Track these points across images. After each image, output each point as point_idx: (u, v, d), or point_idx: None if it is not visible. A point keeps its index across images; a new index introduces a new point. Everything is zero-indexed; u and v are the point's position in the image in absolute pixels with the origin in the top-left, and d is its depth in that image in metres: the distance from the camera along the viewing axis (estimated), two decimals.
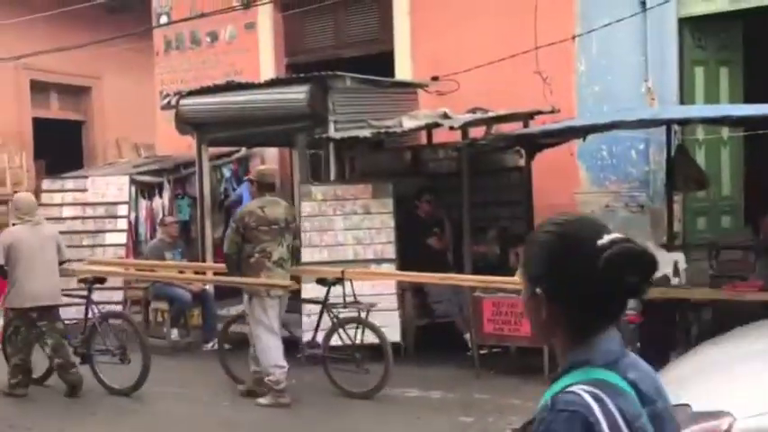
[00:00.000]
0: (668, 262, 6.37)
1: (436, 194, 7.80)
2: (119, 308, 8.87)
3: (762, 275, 6.12)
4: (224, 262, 6.39)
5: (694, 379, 3.41)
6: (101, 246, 9.25)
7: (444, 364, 6.88)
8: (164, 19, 10.83)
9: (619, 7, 7.67)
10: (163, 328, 8.15)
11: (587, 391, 1.41)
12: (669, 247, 6.82)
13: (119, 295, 9.02)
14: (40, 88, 13.21)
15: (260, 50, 10.09)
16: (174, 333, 8.18)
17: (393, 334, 6.83)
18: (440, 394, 6.21)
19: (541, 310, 1.51)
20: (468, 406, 5.87)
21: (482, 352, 6.78)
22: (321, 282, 6.47)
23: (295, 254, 6.34)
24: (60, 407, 6.29)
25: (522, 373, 6.36)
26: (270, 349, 6.02)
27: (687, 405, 2.95)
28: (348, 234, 7.43)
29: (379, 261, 7.34)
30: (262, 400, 6.10)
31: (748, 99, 7.73)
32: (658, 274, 6.39)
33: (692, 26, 7.76)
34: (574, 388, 1.42)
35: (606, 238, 1.47)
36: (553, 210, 7.89)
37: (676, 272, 6.30)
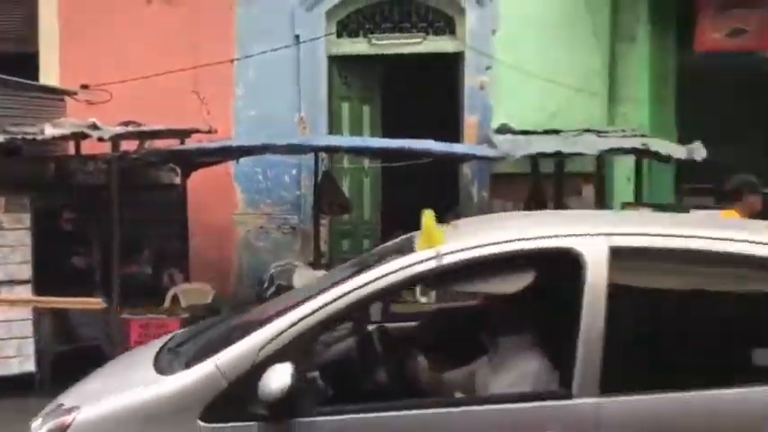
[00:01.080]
0: (313, 278, 6.82)
1: (83, 209, 7.31)
2: None
3: None
4: None
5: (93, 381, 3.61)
6: None
7: None
8: None
9: (274, 37, 8.03)
10: None
11: None
12: (315, 265, 7.29)
13: None
14: None
15: None
16: None
17: (27, 364, 6.44)
18: None
19: None
20: None
21: None
22: None
23: None
24: None
25: None
26: None
27: (61, 404, 3.21)
28: None
29: (12, 283, 6.64)
30: None
31: (386, 135, 8.68)
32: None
33: (339, 65, 8.47)
34: None
35: None
36: (211, 229, 7.85)
37: None
